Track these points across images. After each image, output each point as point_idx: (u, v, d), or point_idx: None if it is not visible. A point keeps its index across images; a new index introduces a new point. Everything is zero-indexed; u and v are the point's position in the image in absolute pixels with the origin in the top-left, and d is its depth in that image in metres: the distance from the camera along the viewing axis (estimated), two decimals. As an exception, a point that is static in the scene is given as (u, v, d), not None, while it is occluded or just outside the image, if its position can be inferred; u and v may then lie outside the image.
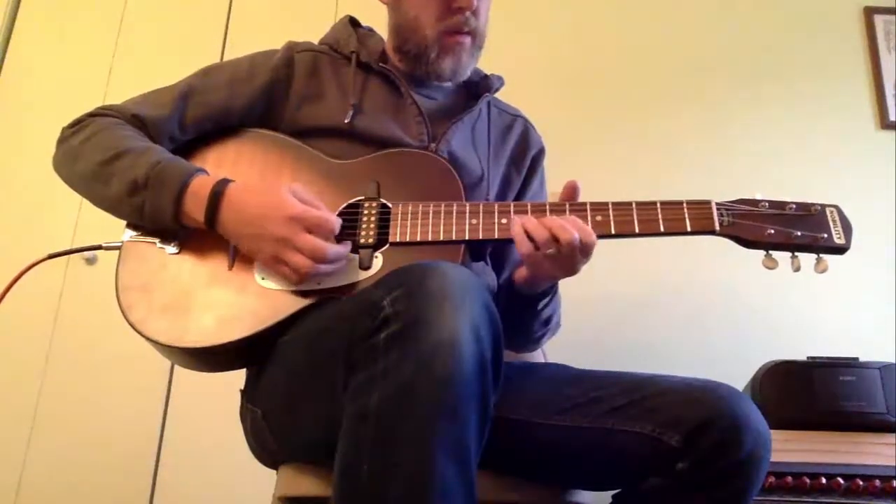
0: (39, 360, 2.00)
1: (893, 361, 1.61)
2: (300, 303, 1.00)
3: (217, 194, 1.00)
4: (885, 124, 2.29)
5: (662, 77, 2.34)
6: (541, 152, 1.34)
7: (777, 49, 2.37)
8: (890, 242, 2.15)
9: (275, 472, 1.12)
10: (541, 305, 1.13)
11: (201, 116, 1.16)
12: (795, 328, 2.05)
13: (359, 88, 1.20)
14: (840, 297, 2.08)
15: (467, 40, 1.19)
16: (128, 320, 1.02)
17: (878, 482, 1.49)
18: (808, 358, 1.63)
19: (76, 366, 1.99)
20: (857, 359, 1.62)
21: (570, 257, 0.99)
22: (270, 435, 1.06)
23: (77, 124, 1.14)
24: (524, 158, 1.30)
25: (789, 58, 2.36)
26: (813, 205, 1.02)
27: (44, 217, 2.10)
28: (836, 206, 1.03)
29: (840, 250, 1.00)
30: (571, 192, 1.05)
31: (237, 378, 1.16)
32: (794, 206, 1.02)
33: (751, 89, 2.32)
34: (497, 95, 1.34)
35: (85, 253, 2.03)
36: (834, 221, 1.01)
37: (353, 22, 1.30)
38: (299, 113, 1.18)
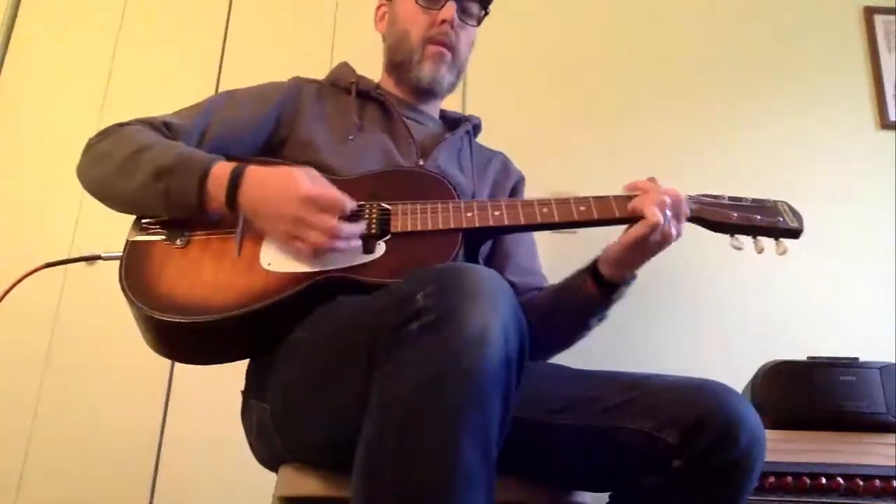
0: (39, 361, 2.00)
1: (893, 361, 1.61)
2: (306, 281, 1.04)
3: (237, 175, 1.06)
4: (885, 124, 2.28)
5: (660, 77, 2.34)
6: (521, 181, 1.46)
7: (777, 49, 2.37)
8: (890, 242, 2.15)
9: (274, 472, 1.12)
10: (619, 294, 1.18)
11: (220, 132, 1.23)
12: (795, 328, 2.05)
13: (358, 112, 1.33)
14: (840, 297, 2.08)
15: (448, 54, 1.35)
16: (133, 303, 1.03)
17: (878, 482, 1.49)
18: (808, 358, 1.63)
19: (76, 366, 1.99)
20: (857, 359, 1.61)
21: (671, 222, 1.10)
22: (277, 434, 1.06)
23: (103, 133, 1.19)
24: (506, 186, 1.42)
25: (789, 57, 2.36)
26: (766, 199, 1.17)
27: (43, 221, 2.10)
28: (785, 201, 1.17)
29: (795, 233, 1.14)
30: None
31: (238, 378, 1.16)
32: (749, 200, 1.16)
33: (751, 89, 2.32)
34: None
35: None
36: (785, 212, 1.16)
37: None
38: (305, 129, 1.27)
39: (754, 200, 1.16)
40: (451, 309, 0.77)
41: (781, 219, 1.14)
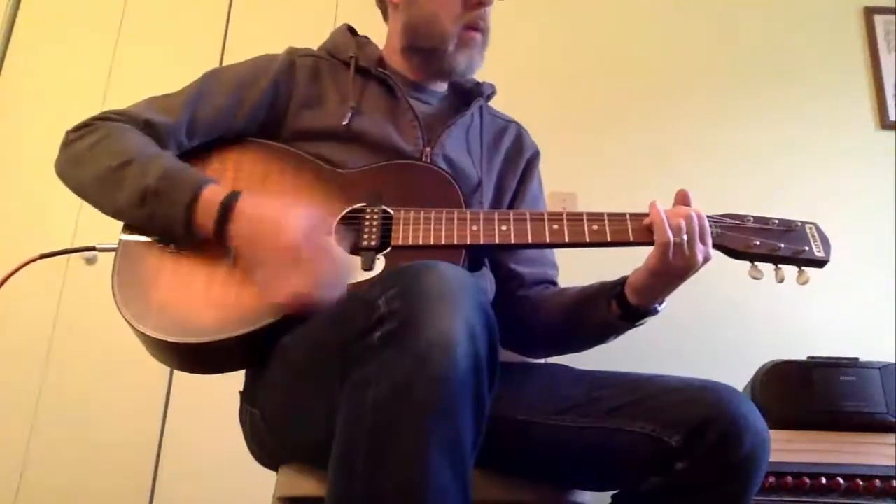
0: (39, 360, 2.00)
1: (893, 361, 1.61)
2: None
3: (227, 207, 1.00)
4: (885, 124, 2.28)
5: (661, 78, 2.34)
6: (535, 155, 1.37)
7: (777, 49, 2.37)
8: (890, 242, 2.15)
9: (275, 472, 1.12)
10: (644, 321, 1.11)
11: (209, 122, 1.16)
12: (795, 328, 2.04)
13: (357, 92, 1.23)
14: (840, 297, 2.08)
15: (479, 37, 1.25)
16: (125, 317, 1.00)
17: (878, 482, 1.49)
18: (808, 358, 1.63)
19: (76, 365, 1.99)
20: (857, 359, 1.61)
21: (691, 244, 1.01)
22: (269, 436, 1.06)
23: (83, 128, 1.12)
24: (518, 161, 1.33)
25: (789, 58, 2.36)
26: (794, 221, 1.09)
27: (44, 217, 2.10)
28: (814, 224, 1.10)
29: (820, 263, 1.07)
30: (683, 199, 1.07)
31: (237, 379, 1.15)
32: (776, 221, 1.08)
33: (750, 89, 2.32)
34: (496, 98, 1.36)
35: (84, 252, 2.02)
36: (813, 237, 1.08)
37: (351, 30, 1.33)
38: (300, 116, 1.20)
39: (781, 222, 1.08)
40: (412, 315, 0.74)
41: (808, 247, 1.06)
